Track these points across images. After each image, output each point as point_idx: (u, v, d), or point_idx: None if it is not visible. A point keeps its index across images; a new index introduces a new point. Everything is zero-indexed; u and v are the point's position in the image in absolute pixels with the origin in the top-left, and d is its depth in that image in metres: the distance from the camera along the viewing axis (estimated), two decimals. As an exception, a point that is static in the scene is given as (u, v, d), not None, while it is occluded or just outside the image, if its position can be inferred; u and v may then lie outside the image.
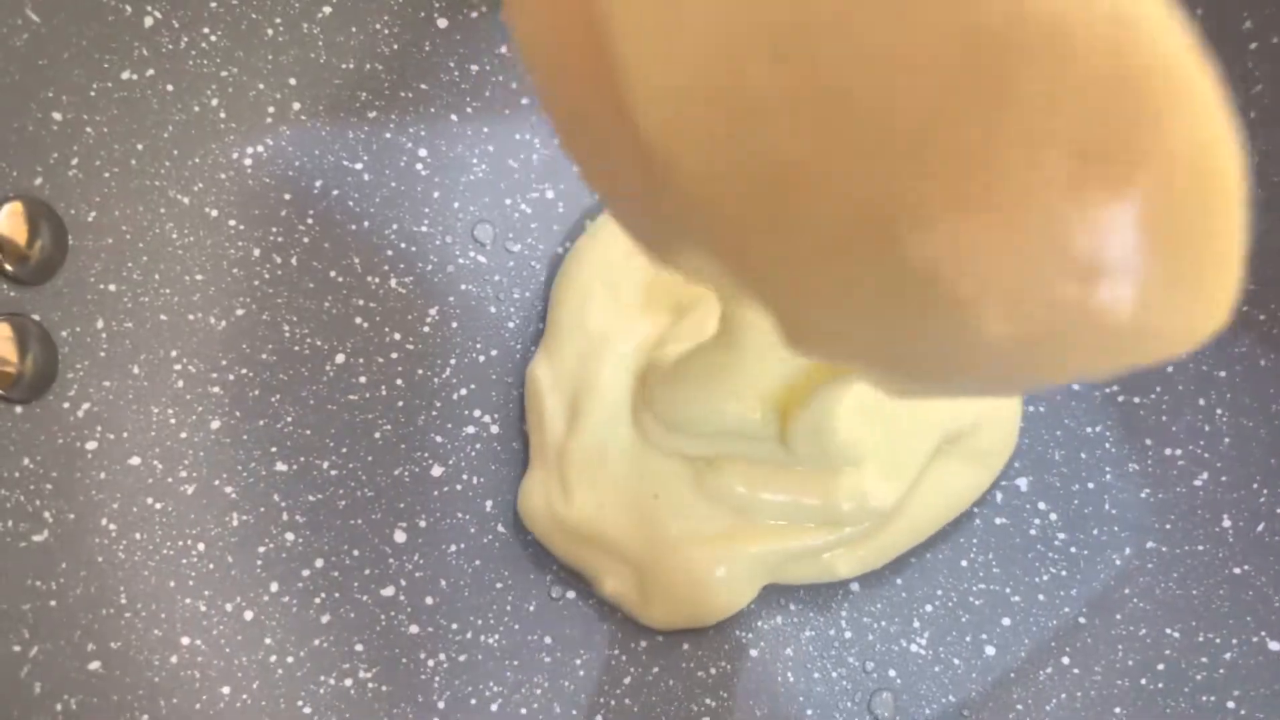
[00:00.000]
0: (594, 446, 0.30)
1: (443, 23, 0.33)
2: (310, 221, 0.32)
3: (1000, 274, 0.12)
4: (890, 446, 0.30)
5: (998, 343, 0.13)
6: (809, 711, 0.29)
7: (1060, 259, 0.12)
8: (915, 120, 0.12)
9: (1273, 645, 0.28)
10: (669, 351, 0.30)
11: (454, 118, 0.33)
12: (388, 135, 0.33)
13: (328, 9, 0.32)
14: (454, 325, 0.32)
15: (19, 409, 0.27)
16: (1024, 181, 0.12)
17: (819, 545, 0.30)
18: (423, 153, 0.33)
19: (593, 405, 0.30)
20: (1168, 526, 0.31)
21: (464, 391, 0.32)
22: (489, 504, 0.31)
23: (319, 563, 0.30)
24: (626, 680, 0.30)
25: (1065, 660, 0.30)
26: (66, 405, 0.28)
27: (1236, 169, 0.13)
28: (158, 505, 0.29)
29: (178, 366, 0.30)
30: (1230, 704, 0.28)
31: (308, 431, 0.31)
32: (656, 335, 0.31)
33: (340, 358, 0.31)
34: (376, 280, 0.32)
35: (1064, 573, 0.31)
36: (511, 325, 0.33)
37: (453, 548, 0.31)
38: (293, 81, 0.32)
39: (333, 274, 0.32)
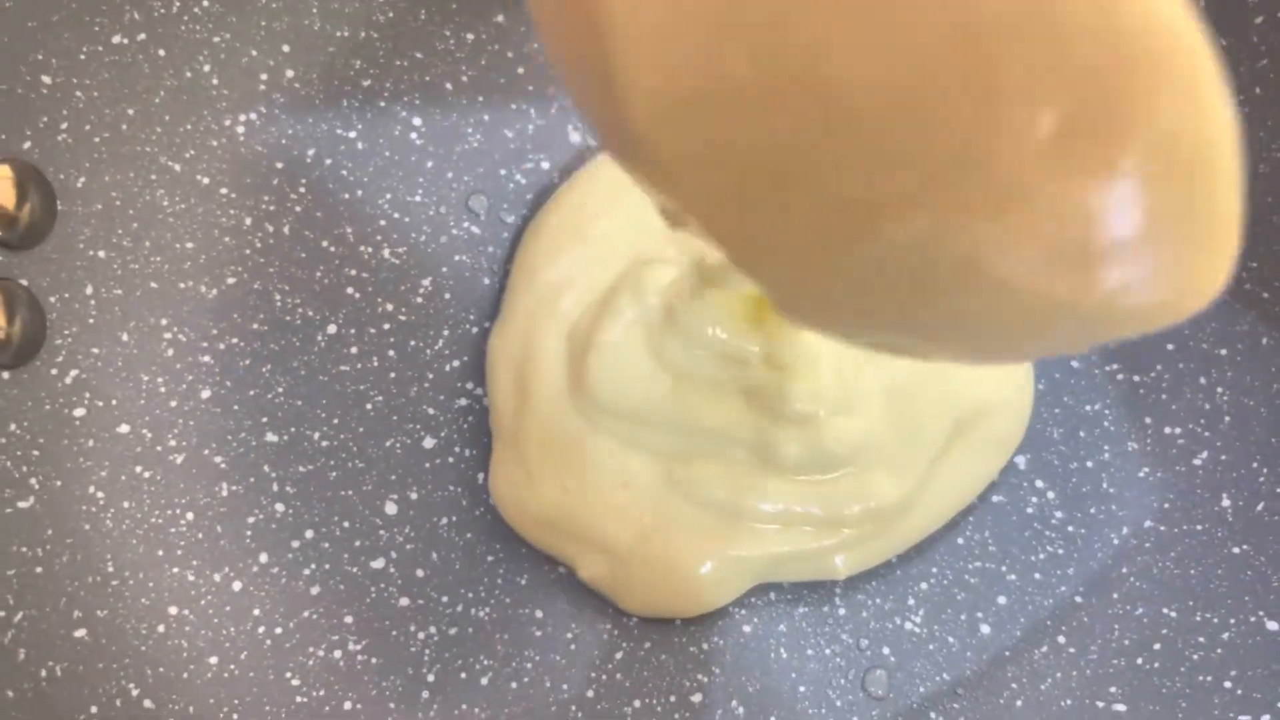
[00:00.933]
0: (546, 424, 0.28)
1: (438, -9, 0.33)
2: (303, 190, 0.31)
3: (990, 263, 0.12)
4: (899, 439, 0.29)
5: (997, 326, 0.14)
6: (802, 688, 0.29)
7: (1049, 245, 0.12)
8: (894, 110, 0.11)
9: (1270, 625, 0.28)
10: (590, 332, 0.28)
11: (449, 86, 0.33)
12: (382, 104, 0.32)
13: (322, -25, 0.31)
14: (447, 296, 0.32)
15: (6, 374, 0.27)
16: (1008, 169, 0.11)
17: (817, 549, 0.29)
18: (417, 121, 0.32)
19: (536, 376, 0.29)
20: (1166, 505, 0.30)
21: (456, 363, 0.32)
22: (480, 476, 0.31)
23: (309, 534, 0.30)
24: (618, 655, 0.29)
25: (1061, 639, 0.29)
26: (55, 371, 0.28)
27: (1231, 143, 0.12)
28: (146, 474, 0.29)
29: (168, 335, 0.30)
30: (1227, 684, 0.28)
31: (299, 402, 0.30)
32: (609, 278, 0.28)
33: (332, 328, 0.31)
34: (369, 250, 0.32)
35: (1061, 551, 0.30)
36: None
37: (444, 520, 0.30)
38: (286, 48, 0.31)
39: (325, 244, 0.31)
